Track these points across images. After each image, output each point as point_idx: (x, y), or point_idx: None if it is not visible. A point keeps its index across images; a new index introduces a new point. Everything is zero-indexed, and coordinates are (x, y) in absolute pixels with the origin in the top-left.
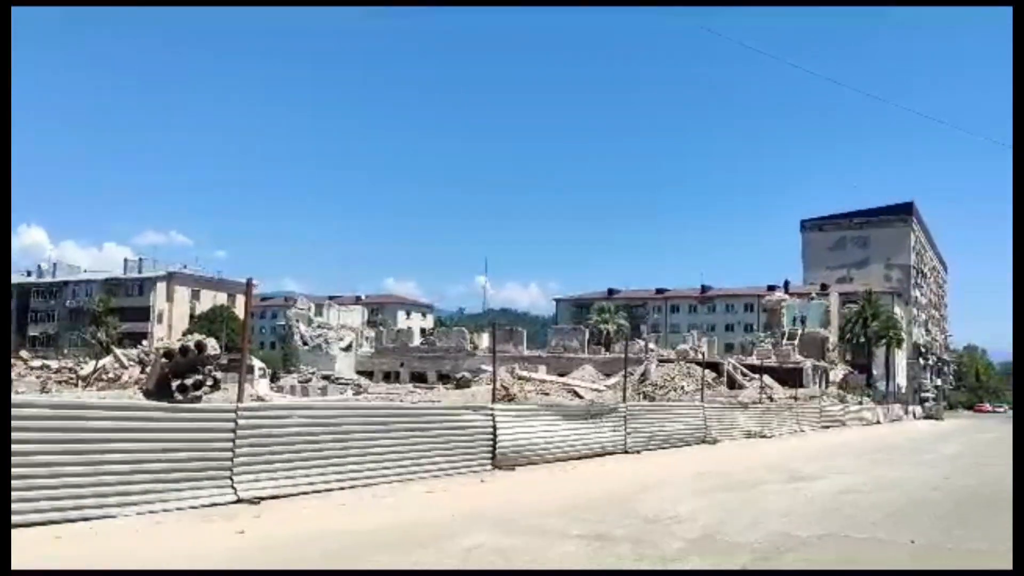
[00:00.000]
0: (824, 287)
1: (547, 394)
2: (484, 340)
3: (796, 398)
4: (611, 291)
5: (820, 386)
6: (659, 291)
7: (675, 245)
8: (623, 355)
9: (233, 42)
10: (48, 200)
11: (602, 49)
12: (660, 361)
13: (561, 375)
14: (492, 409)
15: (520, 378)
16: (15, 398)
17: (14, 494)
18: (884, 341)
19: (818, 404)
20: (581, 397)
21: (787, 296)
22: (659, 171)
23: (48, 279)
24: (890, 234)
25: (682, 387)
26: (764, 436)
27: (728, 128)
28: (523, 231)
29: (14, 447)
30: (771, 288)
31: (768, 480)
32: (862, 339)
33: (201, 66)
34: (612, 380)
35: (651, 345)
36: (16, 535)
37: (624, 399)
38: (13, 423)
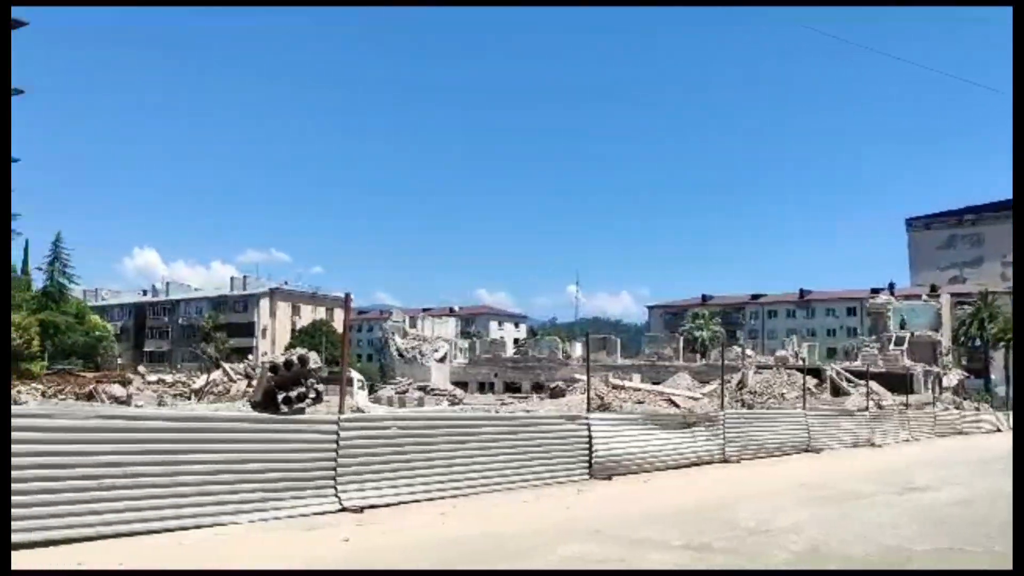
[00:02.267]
0: (934, 288)
1: (642, 403)
2: (577, 349)
3: (907, 405)
4: (705, 297)
5: (933, 392)
6: (755, 296)
7: (770, 249)
8: (719, 362)
9: (321, 65)
10: (159, 223)
11: (679, 48)
12: (758, 368)
13: (656, 383)
14: (587, 418)
15: (614, 387)
16: (139, 411)
17: (143, 503)
18: (1003, 344)
19: (931, 411)
20: (677, 405)
21: (893, 298)
22: (751, 173)
23: (161, 298)
24: (1007, 230)
25: (782, 394)
26: (872, 445)
27: (823, 126)
28: (613, 239)
29: (138, 457)
30: (875, 291)
31: (876, 491)
32: (978, 342)
33: (289, 90)
34: (708, 388)
35: (748, 351)
36: (142, 542)
37: (722, 407)
38: (136, 435)
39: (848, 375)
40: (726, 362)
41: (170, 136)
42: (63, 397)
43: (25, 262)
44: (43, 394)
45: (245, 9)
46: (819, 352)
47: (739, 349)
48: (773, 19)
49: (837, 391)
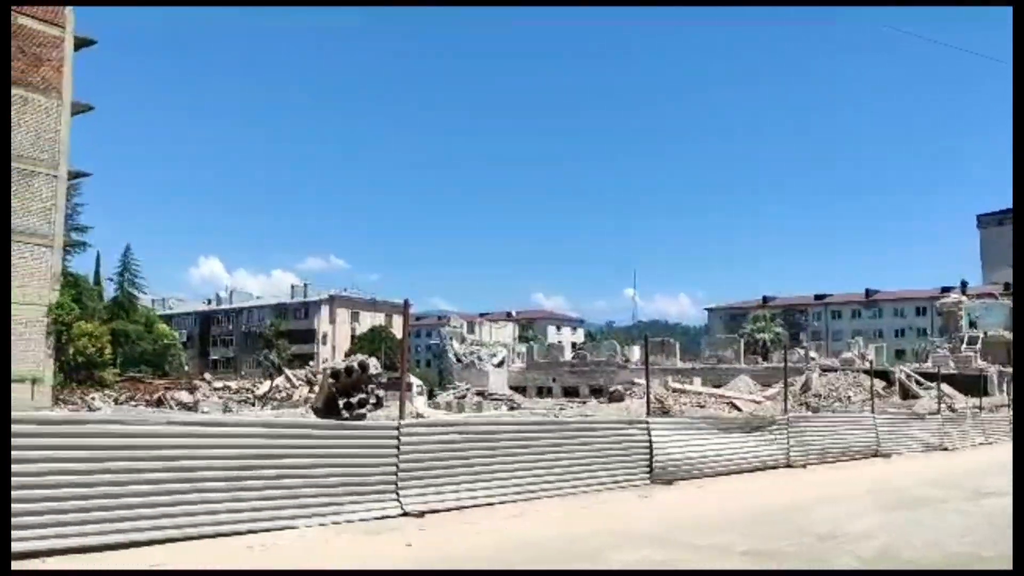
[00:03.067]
0: (1008, 286)
1: (703, 406)
2: (635, 353)
3: (980, 408)
4: (766, 298)
5: (1008, 394)
6: (819, 297)
7: (834, 248)
8: (782, 365)
9: (373, 72)
10: (221, 233)
11: (728, 44)
12: (823, 370)
13: (716, 387)
14: (648, 422)
15: (675, 390)
16: (205, 417)
17: (209, 507)
18: None
19: (1007, 414)
20: (739, 409)
21: (964, 297)
22: (811, 170)
23: (225, 306)
24: None
25: (848, 397)
26: (944, 449)
27: (889, 121)
28: (670, 241)
29: (203, 463)
30: (945, 289)
31: (948, 496)
32: None
33: (343, 97)
34: (771, 391)
35: (812, 353)
36: (214, 545)
37: (785, 410)
38: (204, 440)
39: (918, 377)
40: (789, 364)
41: (230, 148)
42: (134, 403)
43: (97, 273)
44: (115, 401)
45: (297, 10)
46: (887, 354)
47: (802, 351)
48: (834, 17)
49: (907, 394)
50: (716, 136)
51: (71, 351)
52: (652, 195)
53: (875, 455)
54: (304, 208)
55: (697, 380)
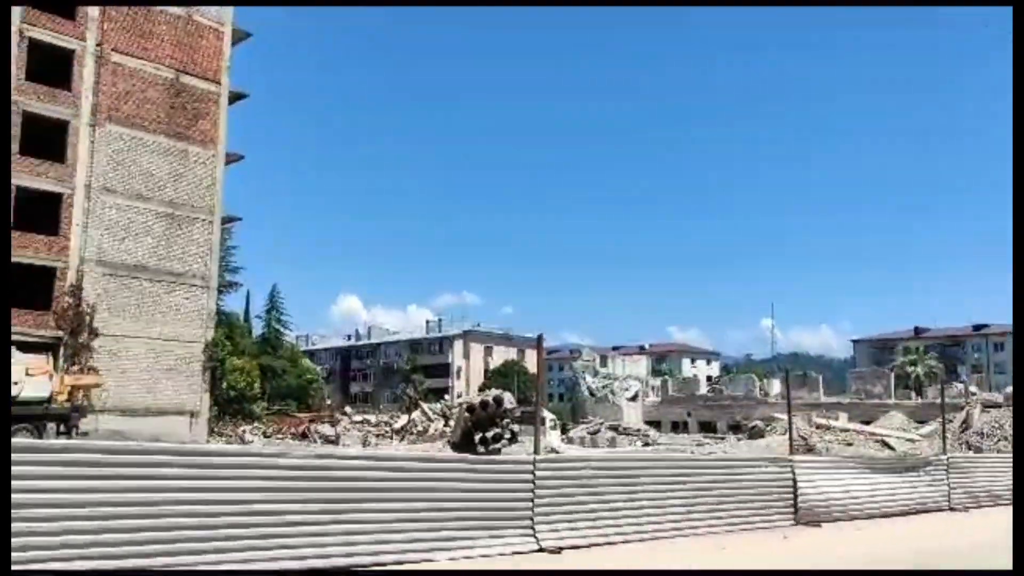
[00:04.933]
0: None
1: (850, 444)
2: (775, 387)
3: None
4: (918, 329)
5: None
6: (977, 327)
7: (993, 275)
8: (938, 400)
9: (497, 108)
10: (360, 271)
11: (880, 53)
12: (984, 406)
13: (865, 423)
14: (791, 461)
15: (819, 427)
16: (347, 451)
17: (366, 536)
18: None
19: None
20: (891, 447)
21: None
22: (964, 189)
23: (364, 342)
24: None
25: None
26: None
27: None
28: (810, 269)
29: (347, 495)
30: None
31: None
32: None
33: (471, 138)
34: (926, 429)
35: (972, 388)
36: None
37: (943, 449)
38: (352, 472)
39: None
40: (946, 400)
41: (366, 190)
42: (281, 437)
43: (247, 311)
44: (264, 433)
45: (424, 62)
46: None
47: (960, 385)
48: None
49: None
50: (853, 157)
51: (224, 385)
52: (791, 220)
53: None
54: (437, 246)
55: (843, 416)
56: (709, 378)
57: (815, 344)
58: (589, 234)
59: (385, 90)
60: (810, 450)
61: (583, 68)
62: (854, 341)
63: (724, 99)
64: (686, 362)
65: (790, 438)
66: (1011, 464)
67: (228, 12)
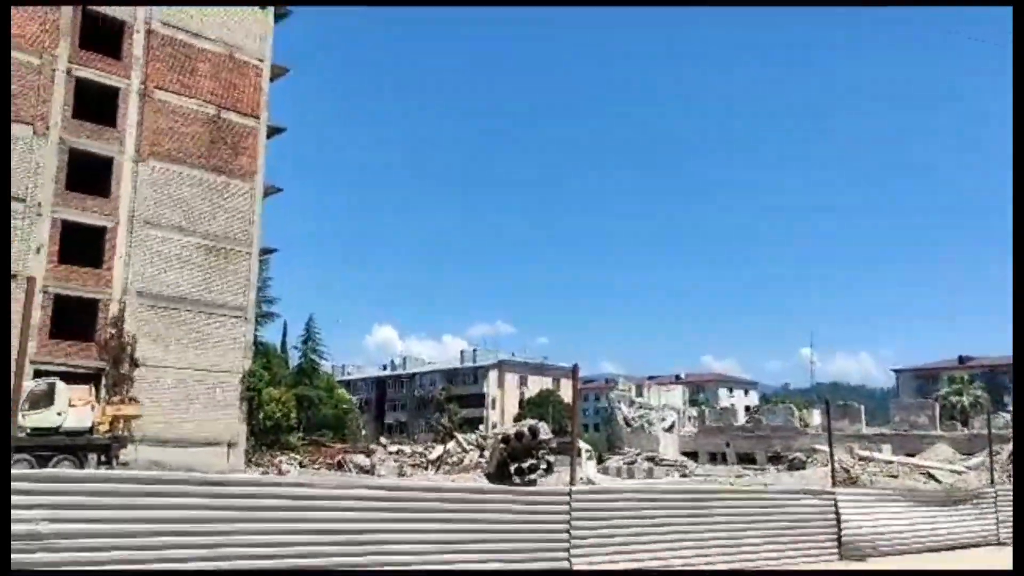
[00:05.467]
0: None
1: (895, 476)
2: (815, 417)
3: None
4: (962, 358)
5: None
6: None
7: None
8: (984, 431)
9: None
10: (395, 302)
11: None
12: None
13: (909, 455)
14: (834, 493)
15: (861, 459)
16: (382, 481)
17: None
18: None
19: None
20: (937, 480)
21: None
22: (1010, 215)
23: (399, 372)
24: None
25: None
26: None
27: None
28: (850, 296)
29: (378, 525)
30: None
31: None
32: None
33: (500, 178)
34: (974, 460)
35: None
36: None
37: (991, 482)
38: (376, 503)
39: None
40: (994, 431)
41: (399, 221)
42: (317, 467)
43: (283, 341)
44: (300, 464)
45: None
46: None
47: (1008, 416)
48: None
49: None
50: (890, 181)
51: (261, 416)
52: (828, 246)
53: None
54: (470, 276)
55: (887, 448)
56: (747, 408)
57: (855, 373)
58: (619, 264)
59: (417, 126)
60: (853, 483)
61: (624, 100)
62: (896, 371)
63: (753, 130)
64: (723, 392)
65: (832, 470)
66: None
67: (268, 49)
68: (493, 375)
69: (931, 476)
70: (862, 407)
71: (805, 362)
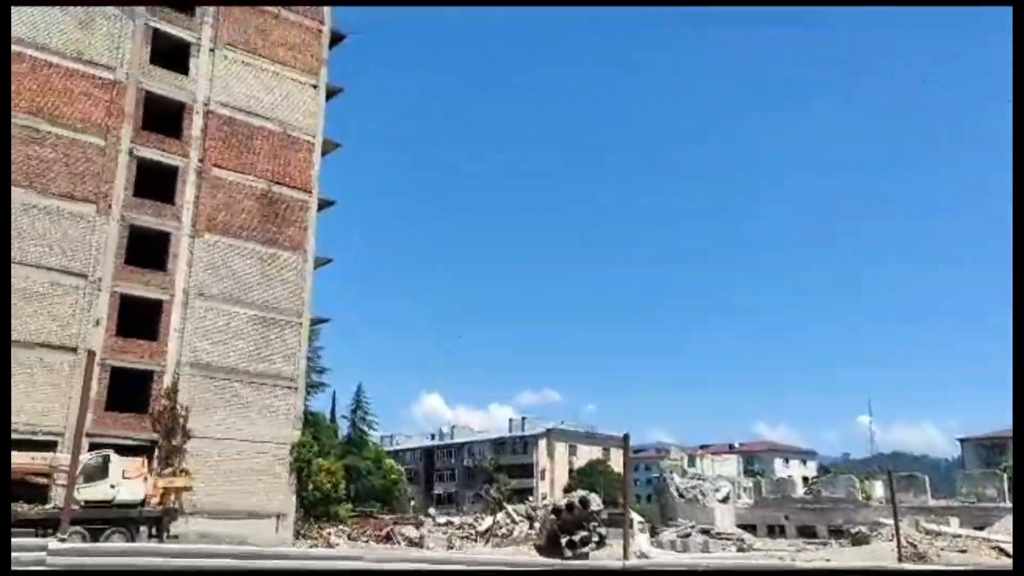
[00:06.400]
0: None
1: (964, 551)
2: (877, 489)
3: None
4: None
5: None
6: None
7: None
8: None
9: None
10: (442, 371)
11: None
12: None
13: (978, 528)
14: (904, 571)
15: (928, 532)
16: (430, 555)
17: None
18: None
19: None
20: (1008, 555)
21: None
22: None
23: (447, 441)
24: None
25: None
26: None
27: None
28: (909, 363)
29: None
30: None
31: None
32: None
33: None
34: None
35: None
36: None
37: None
38: None
39: None
40: None
41: (446, 291)
42: (365, 540)
43: (333, 411)
44: (348, 536)
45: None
46: None
47: None
48: None
49: None
50: (942, 247)
51: (310, 487)
52: (884, 312)
53: None
54: (517, 345)
55: (954, 521)
56: (804, 479)
57: (918, 443)
58: (670, 331)
59: (457, 193)
60: (920, 558)
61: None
62: (961, 440)
63: (802, 199)
64: (778, 462)
65: (898, 544)
66: None
67: (319, 125)
68: (542, 444)
69: (1002, 551)
70: (927, 478)
71: (862, 431)
